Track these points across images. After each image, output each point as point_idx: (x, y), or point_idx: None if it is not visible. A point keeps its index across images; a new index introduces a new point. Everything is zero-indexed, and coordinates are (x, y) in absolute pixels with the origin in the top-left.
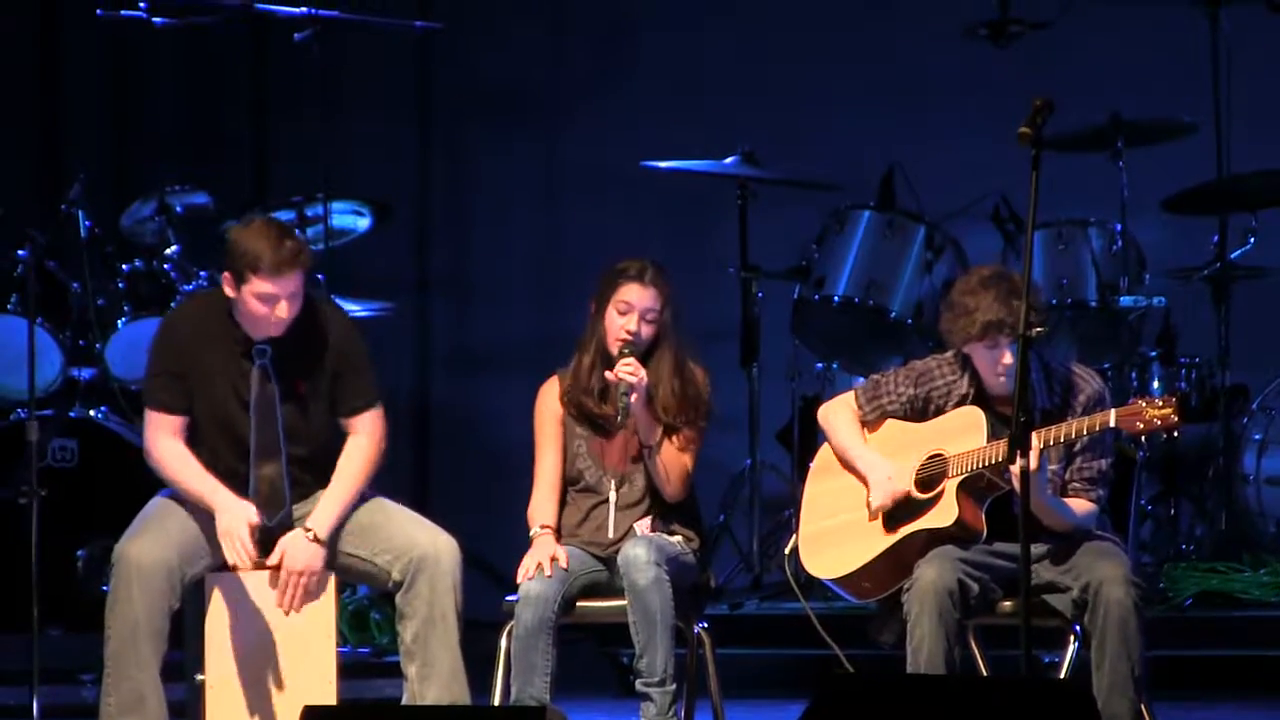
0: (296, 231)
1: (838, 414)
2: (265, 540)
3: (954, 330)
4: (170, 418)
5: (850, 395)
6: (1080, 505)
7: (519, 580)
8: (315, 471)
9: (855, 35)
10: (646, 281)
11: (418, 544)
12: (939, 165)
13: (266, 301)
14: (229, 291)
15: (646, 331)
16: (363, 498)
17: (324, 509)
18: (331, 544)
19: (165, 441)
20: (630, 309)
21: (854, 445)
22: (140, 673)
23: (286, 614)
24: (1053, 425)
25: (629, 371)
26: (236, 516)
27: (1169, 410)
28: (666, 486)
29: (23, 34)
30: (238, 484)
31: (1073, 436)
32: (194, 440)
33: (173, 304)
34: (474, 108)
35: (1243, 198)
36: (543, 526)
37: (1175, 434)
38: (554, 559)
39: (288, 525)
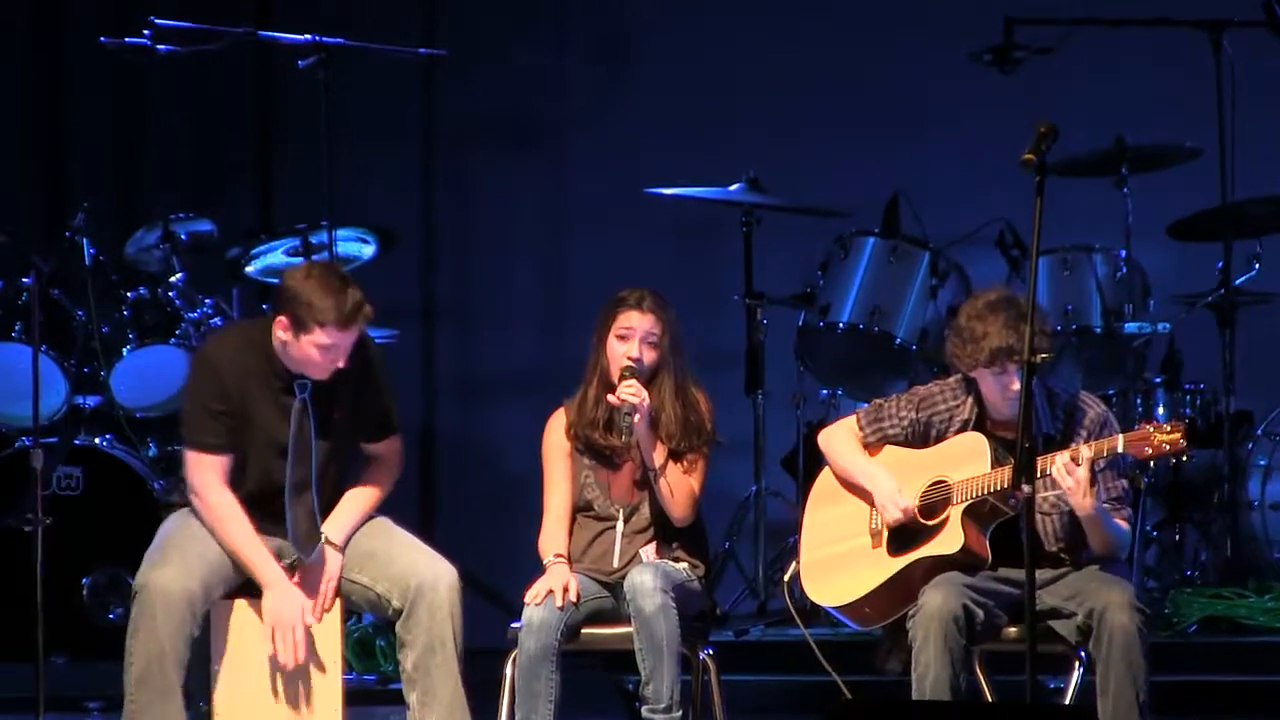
0: (295, 260)
1: (839, 437)
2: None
3: (961, 356)
4: (215, 458)
5: (851, 419)
6: (1118, 524)
7: (527, 601)
8: (334, 496)
9: (859, 62)
10: (645, 308)
11: (417, 572)
12: (943, 191)
13: (327, 353)
14: (283, 334)
15: (648, 356)
16: (370, 518)
17: (340, 520)
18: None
19: (215, 491)
20: (631, 334)
21: (857, 463)
22: (165, 700)
23: (319, 620)
24: (1055, 451)
25: (631, 393)
26: (291, 608)
27: (1177, 435)
28: (673, 509)
29: (27, 61)
30: (266, 513)
31: (1081, 460)
32: (238, 473)
33: (176, 333)
34: (478, 135)
35: (1247, 223)
36: (556, 555)
37: (1185, 458)
38: (565, 589)
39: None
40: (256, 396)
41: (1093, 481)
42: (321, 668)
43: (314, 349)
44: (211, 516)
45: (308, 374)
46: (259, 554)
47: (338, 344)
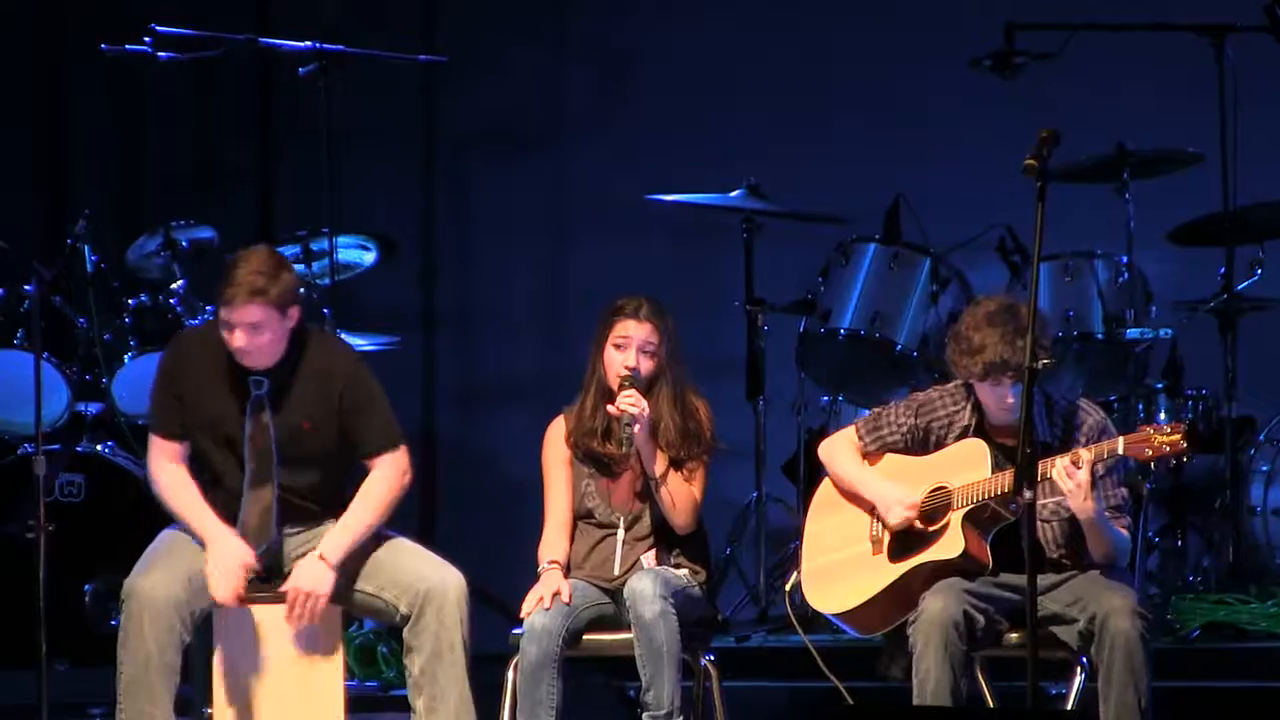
0: (296, 267)
1: (839, 448)
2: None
3: (959, 365)
4: (170, 443)
5: (850, 429)
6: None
7: (523, 614)
8: (324, 502)
9: (860, 67)
10: (642, 317)
11: (425, 578)
12: (944, 197)
13: (228, 331)
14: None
15: (645, 366)
16: (383, 537)
17: (335, 537)
18: (343, 574)
19: (165, 466)
20: (628, 343)
21: (859, 474)
22: (153, 707)
23: (293, 630)
24: (1054, 456)
25: (630, 403)
26: (232, 554)
27: (1177, 436)
28: (675, 517)
29: (28, 68)
30: (229, 510)
31: (1082, 463)
32: (199, 464)
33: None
34: (478, 141)
35: (1249, 229)
36: (550, 562)
37: (1185, 459)
38: (557, 593)
39: (277, 554)
40: (214, 388)
41: (1093, 485)
42: (323, 674)
43: (223, 328)
44: (162, 489)
45: (241, 361)
46: (203, 513)
47: (229, 319)
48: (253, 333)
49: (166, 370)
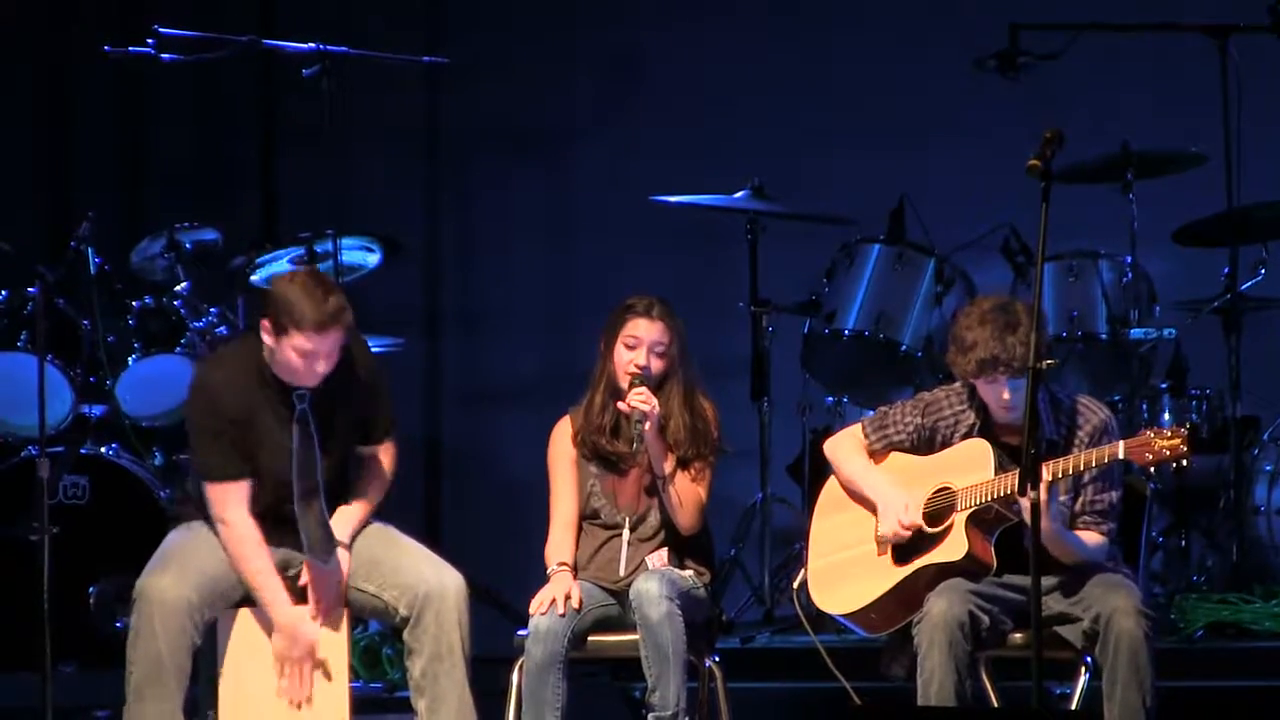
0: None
1: (844, 446)
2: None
3: (955, 364)
4: (234, 484)
5: (856, 427)
6: (1090, 538)
7: (532, 610)
8: (334, 496)
9: (863, 68)
10: (654, 316)
11: (424, 580)
12: (948, 198)
13: (306, 357)
14: (267, 339)
15: (656, 365)
16: (383, 532)
17: (345, 520)
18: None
19: (242, 518)
20: (638, 343)
21: (865, 475)
22: (163, 705)
23: (321, 623)
24: (1060, 457)
25: (641, 400)
26: (302, 643)
27: (1178, 441)
28: (681, 517)
29: (31, 71)
30: (274, 523)
31: (1081, 468)
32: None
33: (182, 342)
34: (482, 142)
35: (1253, 229)
36: (560, 564)
37: (1185, 464)
38: (568, 597)
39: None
40: (258, 410)
41: (1076, 492)
42: (328, 676)
43: (293, 353)
44: (234, 544)
45: (295, 381)
46: (273, 584)
47: (315, 349)
48: (330, 359)
49: (201, 414)
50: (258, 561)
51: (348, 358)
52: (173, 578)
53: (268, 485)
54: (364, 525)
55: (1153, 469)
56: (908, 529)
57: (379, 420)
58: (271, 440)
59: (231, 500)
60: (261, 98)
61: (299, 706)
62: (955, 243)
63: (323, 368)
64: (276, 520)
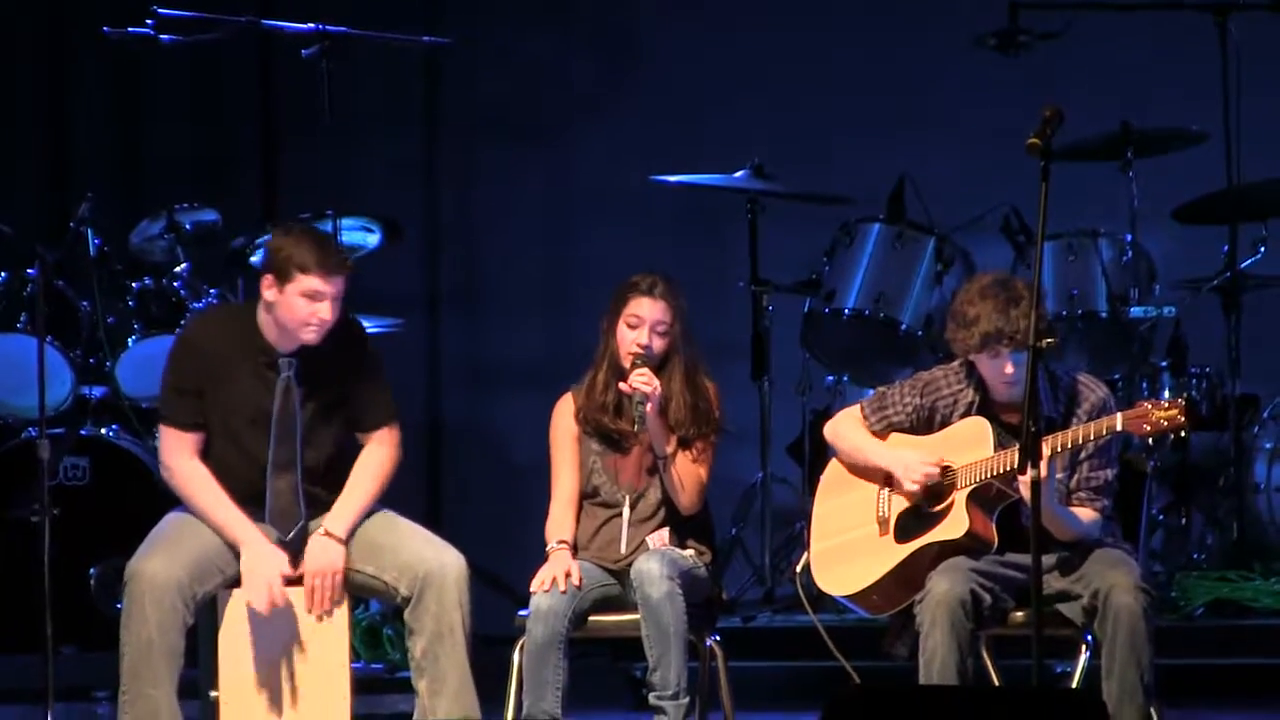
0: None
1: (845, 425)
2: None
3: (956, 341)
4: (188, 435)
5: (855, 408)
6: (1085, 514)
7: (532, 590)
8: (325, 484)
9: (863, 47)
10: (656, 295)
11: (424, 560)
12: (948, 177)
13: (314, 299)
14: (268, 293)
15: (658, 345)
16: (382, 514)
17: (341, 512)
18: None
19: (185, 461)
20: (641, 322)
21: (868, 445)
22: (155, 689)
23: (318, 620)
24: (1059, 432)
25: (643, 381)
26: (268, 563)
27: (1175, 411)
28: (681, 497)
29: (30, 52)
30: (246, 494)
31: (1080, 442)
32: (204, 451)
33: (183, 321)
34: (483, 123)
35: (1253, 207)
36: (559, 542)
37: (1184, 434)
38: (568, 574)
39: (302, 539)
40: (237, 371)
41: (1071, 468)
42: (329, 656)
43: (299, 298)
44: (182, 485)
45: (293, 338)
46: (231, 514)
47: (321, 290)
48: (335, 306)
49: (181, 360)
50: (208, 495)
51: (343, 334)
52: (162, 558)
53: (236, 449)
54: (363, 518)
55: (1151, 442)
56: (935, 473)
57: (373, 405)
58: (248, 403)
59: (181, 447)
60: (261, 78)
61: (303, 685)
62: (955, 222)
63: (328, 313)
64: (248, 490)
